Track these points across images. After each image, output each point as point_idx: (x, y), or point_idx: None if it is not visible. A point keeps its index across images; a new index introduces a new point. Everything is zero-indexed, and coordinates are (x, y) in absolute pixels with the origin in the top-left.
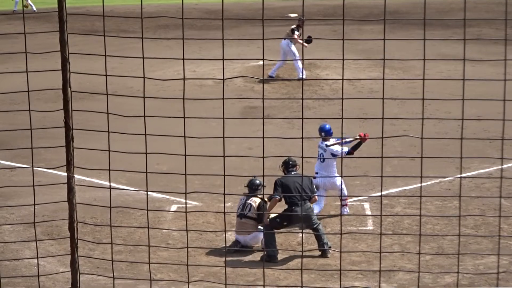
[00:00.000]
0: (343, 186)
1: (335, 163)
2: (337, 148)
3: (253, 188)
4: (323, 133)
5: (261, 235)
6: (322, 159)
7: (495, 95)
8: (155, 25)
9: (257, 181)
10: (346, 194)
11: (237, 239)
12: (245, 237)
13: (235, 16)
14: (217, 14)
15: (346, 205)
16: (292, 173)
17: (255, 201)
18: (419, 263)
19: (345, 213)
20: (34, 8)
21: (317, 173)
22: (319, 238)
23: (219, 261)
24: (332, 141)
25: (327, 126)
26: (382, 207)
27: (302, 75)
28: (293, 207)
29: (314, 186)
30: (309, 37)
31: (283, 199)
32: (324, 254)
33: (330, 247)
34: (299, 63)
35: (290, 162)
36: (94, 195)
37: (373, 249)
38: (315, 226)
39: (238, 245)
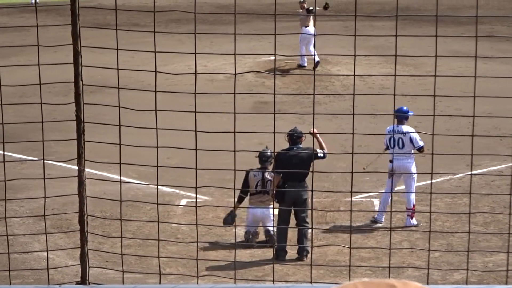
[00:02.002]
0: (412, 196)
1: (413, 150)
2: (420, 138)
3: (263, 160)
4: (398, 116)
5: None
6: (401, 145)
7: (506, 92)
8: (167, 19)
9: (268, 152)
10: (414, 202)
11: (250, 220)
12: (263, 210)
13: (247, 11)
14: (228, 9)
15: (412, 216)
16: (294, 148)
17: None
18: (429, 260)
19: (411, 224)
20: (32, 0)
21: (391, 161)
22: (300, 240)
23: (228, 255)
24: (406, 127)
25: (405, 108)
26: (392, 204)
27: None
28: (286, 185)
29: (318, 151)
30: (326, 4)
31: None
32: (300, 258)
33: (308, 253)
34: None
35: (294, 135)
36: (104, 188)
37: (382, 246)
38: (303, 221)
39: (251, 234)
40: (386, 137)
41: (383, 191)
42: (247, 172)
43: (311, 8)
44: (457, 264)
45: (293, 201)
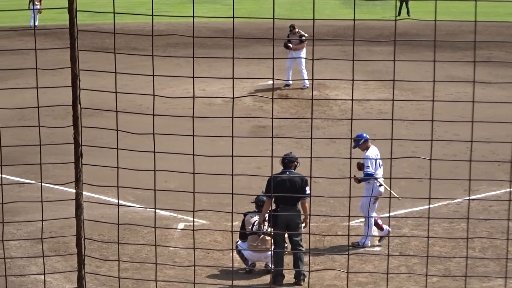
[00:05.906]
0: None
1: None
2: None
3: (259, 205)
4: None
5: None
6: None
7: (504, 117)
8: (165, 43)
9: (264, 198)
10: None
11: (250, 257)
12: (263, 254)
13: (245, 35)
14: (227, 33)
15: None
16: (287, 172)
17: None
18: (426, 285)
19: (386, 232)
20: (31, 24)
21: (381, 184)
22: (296, 264)
23: (225, 279)
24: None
25: (364, 134)
26: (390, 228)
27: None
28: (278, 209)
29: (307, 189)
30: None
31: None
32: (297, 282)
33: (305, 277)
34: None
35: (286, 159)
36: (101, 212)
37: (380, 270)
38: (298, 245)
39: (250, 264)
40: (371, 162)
41: (381, 216)
42: (245, 215)
43: (305, 35)
44: None
45: (286, 225)
